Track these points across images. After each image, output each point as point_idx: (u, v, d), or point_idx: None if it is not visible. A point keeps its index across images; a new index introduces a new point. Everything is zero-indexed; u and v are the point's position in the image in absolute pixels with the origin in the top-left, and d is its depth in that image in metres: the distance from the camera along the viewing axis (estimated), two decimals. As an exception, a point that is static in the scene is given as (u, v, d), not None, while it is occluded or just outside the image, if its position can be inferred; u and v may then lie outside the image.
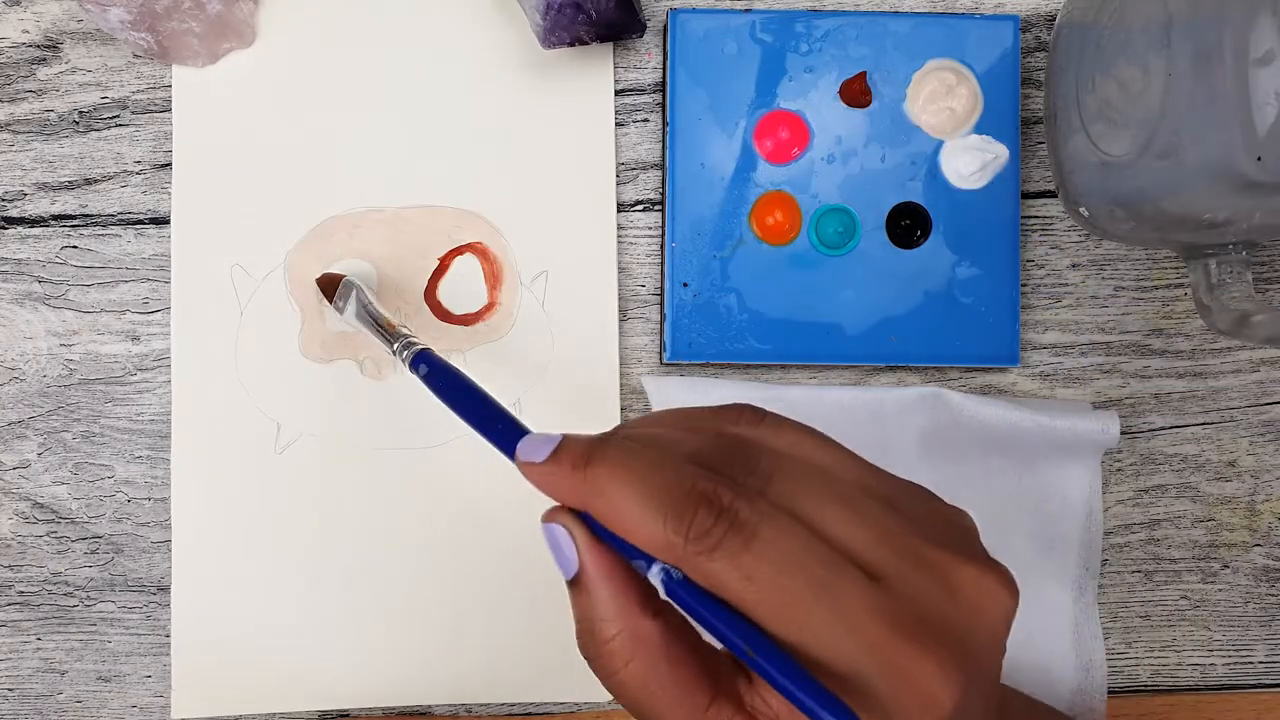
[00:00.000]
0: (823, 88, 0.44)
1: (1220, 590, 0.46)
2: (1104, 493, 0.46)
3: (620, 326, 0.45)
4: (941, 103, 0.44)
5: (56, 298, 0.44)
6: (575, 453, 0.26)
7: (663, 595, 0.25)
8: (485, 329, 0.44)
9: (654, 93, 0.45)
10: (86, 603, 0.44)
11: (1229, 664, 0.46)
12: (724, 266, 0.44)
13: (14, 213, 0.44)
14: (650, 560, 0.25)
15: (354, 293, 0.41)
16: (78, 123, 0.44)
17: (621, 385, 0.44)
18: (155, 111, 0.44)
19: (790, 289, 0.44)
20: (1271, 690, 0.46)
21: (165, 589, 0.44)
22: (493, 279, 0.44)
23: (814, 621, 0.23)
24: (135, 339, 0.44)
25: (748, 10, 0.44)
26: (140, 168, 0.44)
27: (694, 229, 0.43)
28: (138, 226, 0.44)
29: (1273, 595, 0.46)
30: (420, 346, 0.37)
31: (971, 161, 0.43)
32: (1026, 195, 0.46)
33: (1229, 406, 0.46)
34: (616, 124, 0.45)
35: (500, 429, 0.29)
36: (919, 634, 0.23)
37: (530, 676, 0.43)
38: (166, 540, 0.43)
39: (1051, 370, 0.46)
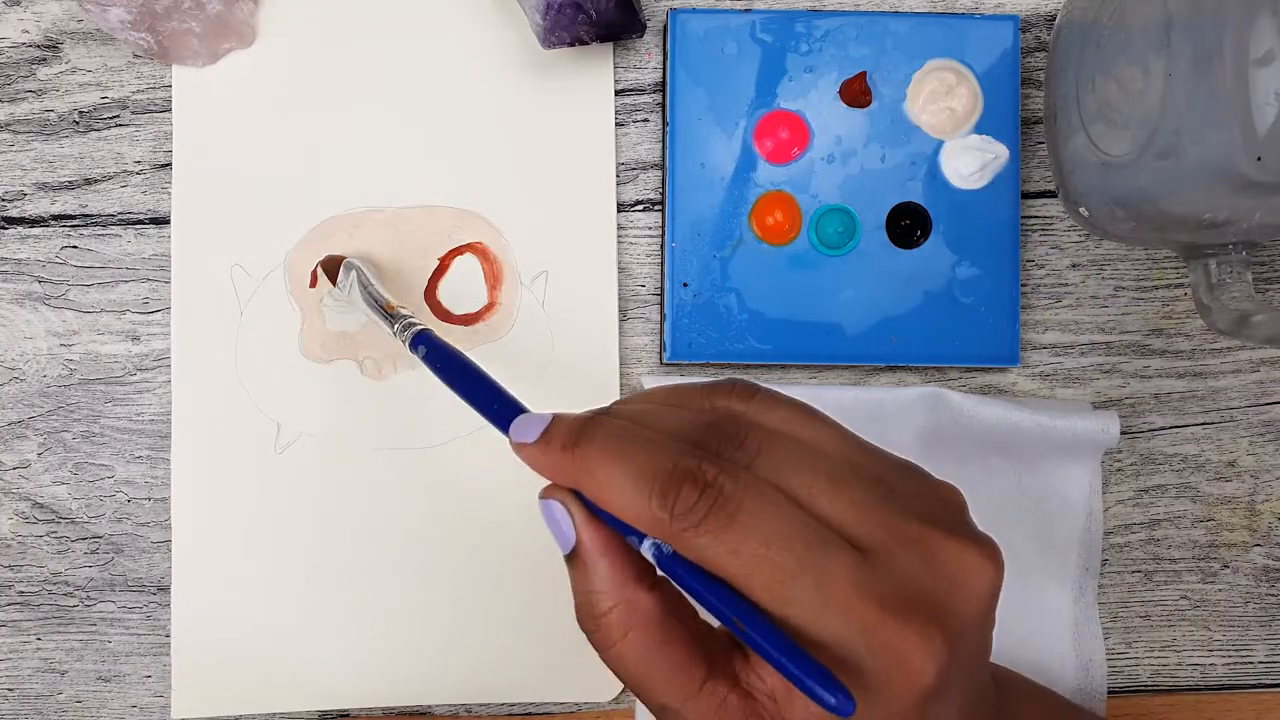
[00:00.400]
0: (823, 88, 0.44)
1: (1220, 590, 0.46)
2: (1104, 493, 0.45)
3: (620, 326, 0.45)
4: (941, 103, 0.44)
5: (56, 298, 0.44)
6: (565, 432, 0.26)
7: (658, 570, 0.25)
8: (485, 329, 0.44)
9: (654, 93, 0.45)
10: (86, 603, 0.44)
11: (1229, 664, 0.46)
12: (724, 266, 0.44)
13: (14, 213, 0.44)
14: (642, 536, 0.25)
15: (354, 273, 0.41)
16: (78, 123, 0.44)
17: (621, 385, 0.44)
18: (155, 111, 0.44)
19: (790, 289, 0.44)
20: (1271, 690, 0.46)
21: (165, 589, 0.44)
22: (493, 279, 0.44)
23: (800, 595, 0.23)
24: (135, 339, 0.44)
25: (748, 10, 0.44)
26: (140, 168, 0.44)
27: (694, 229, 0.43)
28: (138, 226, 0.44)
29: (1273, 595, 0.46)
30: (420, 327, 0.37)
31: (971, 161, 0.43)
32: (1026, 195, 0.46)
33: (1229, 406, 0.46)
34: (616, 124, 0.45)
35: (497, 408, 0.30)
36: (902, 607, 0.23)
37: (530, 676, 0.43)
38: (166, 540, 0.43)
39: (1051, 370, 0.45)
